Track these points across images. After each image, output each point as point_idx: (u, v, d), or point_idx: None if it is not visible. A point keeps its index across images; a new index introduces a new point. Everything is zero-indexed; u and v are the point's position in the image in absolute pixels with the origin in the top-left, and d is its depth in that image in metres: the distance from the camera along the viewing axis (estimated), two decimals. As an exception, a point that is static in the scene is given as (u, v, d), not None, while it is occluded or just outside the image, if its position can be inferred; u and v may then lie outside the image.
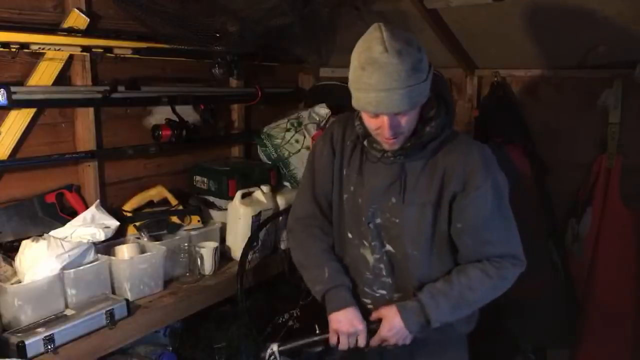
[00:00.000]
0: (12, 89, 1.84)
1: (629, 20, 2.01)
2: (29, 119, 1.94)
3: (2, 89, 1.80)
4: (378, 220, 1.54)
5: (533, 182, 2.36)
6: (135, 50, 2.18)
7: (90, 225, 1.97)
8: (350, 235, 1.61)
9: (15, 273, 1.77)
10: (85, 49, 2.02)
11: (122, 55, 2.15)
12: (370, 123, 1.42)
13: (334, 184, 1.63)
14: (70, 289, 1.77)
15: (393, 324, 1.47)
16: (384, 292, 1.59)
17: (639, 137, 2.28)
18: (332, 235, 1.69)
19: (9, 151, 1.90)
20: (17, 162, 1.93)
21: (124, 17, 2.15)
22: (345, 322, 1.50)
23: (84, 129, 2.13)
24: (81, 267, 1.81)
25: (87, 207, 2.08)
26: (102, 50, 2.07)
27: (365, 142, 1.54)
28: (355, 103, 1.40)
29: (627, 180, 2.29)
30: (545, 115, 2.49)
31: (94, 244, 1.91)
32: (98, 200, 2.12)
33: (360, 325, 1.50)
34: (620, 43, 2.15)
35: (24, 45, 1.84)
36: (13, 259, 1.79)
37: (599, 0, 1.98)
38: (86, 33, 2.02)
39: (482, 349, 2.44)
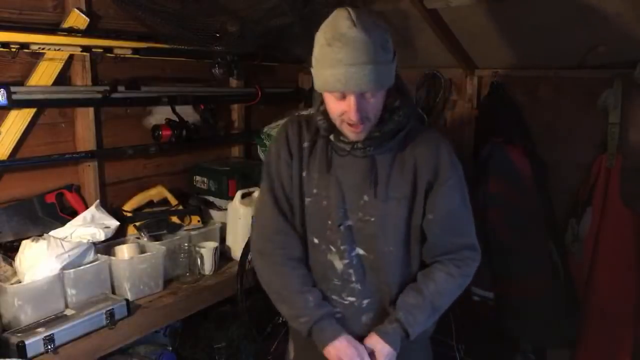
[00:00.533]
0: (12, 89, 1.84)
1: (629, 20, 2.01)
2: (29, 119, 1.95)
3: (2, 89, 1.81)
4: (349, 222, 1.45)
5: (533, 182, 2.36)
6: (135, 50, 2.18)
7: (90, 225, 1.97)
8: (316, 241, 1.50)
9: (15, 273, 1.77)
10: (85, 49, 2.02)
11: (122, 55, 2.16)
12: (336, 108, 1.34)
13: (294, 189, 1.50)
14: (70, 289, 1.78)
15: (385, 354, 1.43)
16: (352, 299, 1.49)
17: (639, 137, 2.28)
18: (303, 248, 1.54)
19: (9, 151, 1.90)
20: (17, 162, 1.94)
21: (124, 17, 2.16)
22: (348, 350, 1.40)
23: (84, 129, 2.13)
24: (81, 267, 1.81)
25: (87, 207, 2.09)
26: (102, 50, 2.08)
27: (331, 137, 1.44)
28: (320, 84, 1.33)
29: (627, 180, 2.29)
30: (545, 115, 2.48)
31: (94, 244, 1.92)
32: (98, 200, 2.12)
33: (361, 347, 1.41)
34: (620, 43, 2.15)
35: (24, 45, 1.84)
36: (13, 259, 1.79)
37: (599, 0, 1.98)
38: (86, 33, 2.02)
39: (482, 349, 2.45)
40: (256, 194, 2.44)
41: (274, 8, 2.18)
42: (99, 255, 1.92)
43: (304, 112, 1.51)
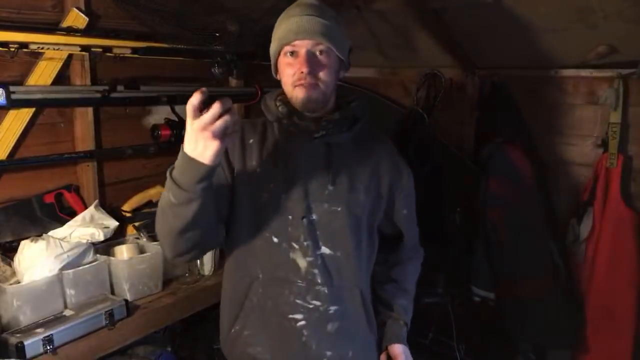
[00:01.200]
0: (11, 88, 1.83)
1: (629, 20, 2.01)
2: (27, 119, 1.94)
3: (0, 89, 1.80)
4: (313, 216, 1.37)
5: (533, 182, 2.36)
6: (135, 50, 2.17)
7: (89, 225, 1.97)
8: (275, 240, 1.37)
9: (14, 273, 1.76)
10: (84, 48, 2.01)
11: (121, 55, 2.15)
12: (289, 69, 1.35)
13: (239, 192, 1.38)
14: (69, 290, 1.77)
15: (405, 352, 1.49)
16: (318, 303, 1.38)
17: (640, 136, 2.28)
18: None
19: (8, 151, 1.89)
20: (15, 162, 1.93)
21: (123, 17, 2.15)
22: None
23: (83, 129, 2.12)
24: (80, 268, 1.81)
25: (86, 207, 2.08)
26: (101, 50, 2.07)
27: (294, 118, 1.40)
28: (275, 45, 1.37)
29: (628, 180, 2.29)
30: (546, 115, 2.48)
31: (93, 244, 1.91)
32: (97, 200, 2.11)
33: None
34: (621, 43, 2.15)
35: (22, 45, 1.83)
36: (12, 259, 1.78)
37: (599, 0, 1.98)
38: (85, 32, 2.01)
39: (483, 349, 2.45)
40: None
41: (273, 7, 2.17)
42: (98, 255, 1.91)
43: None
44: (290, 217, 1.36)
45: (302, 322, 1.38)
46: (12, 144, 1.90)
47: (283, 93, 1.44)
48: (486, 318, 2.39)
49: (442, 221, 2.52)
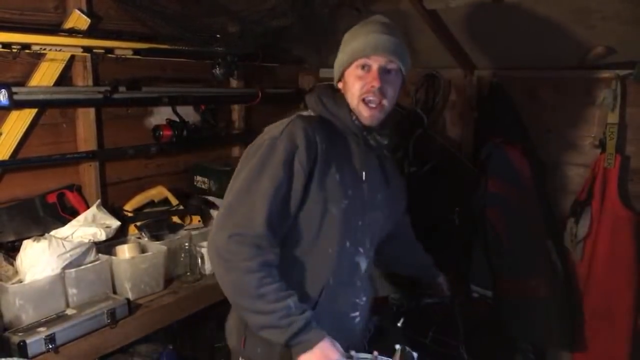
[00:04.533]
0: (14, 89, 1.85)
1: (627, 21, 2.01)
2: (30, 119, 1.95)
3: (3, 90, 1.81)
4: (368, 221, 1.48)
5: (532, 182, 2.37)
6: (136, 51, 2.19)
7: (91, 225, 1.98)
8: (348, 245, 1.43)
9: (16, 272, 1.77)
10: (86, 49, 2.03)
11: (123, 56, 2.16)
12: (358, 82, 1.40)
13: (313, 200, 1.36)
14: (72, 289, 1.78)
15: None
16: (365, 298, 1.53)
17: (638, 137, 2.29)
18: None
19: (11, 151, 1.91)
20: (18, 162, 1.94)
21: (124, 18, 2.16)
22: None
23: (85, 129, 2.14)
24: (82, 267, 1.82)
25: (88, 207, 2.09)
26: (103, 51, 2.08)
27: (365, 134, 1.44)
28: (347, 57, 1.43)
29: (626, 181, 2.29)
30: (544, 116, 2.49)
31: (95, 243, 1.92)
32: (99, 200, 2.13)
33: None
34: (620, 43, 2.16)
35: (25, 46, 1.85)
36: (14, 259, 1.79)
37: (599, 0, 1.99)
38: (87, 34, 2.03)
39: (482, 349, 2.45)
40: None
41: (274, 8, 2.19)
42: (100, 255, 1.93)
43: (304, 113, 1.50)
44: (360, 222, 1.46)
45: (358, 319, 1.51)
46: (14, 144, 1.92)
47: (341, 98, 1.46)
48: (485, 315, 2.39)
49: (441, 221, 2.53)
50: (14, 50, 1.82)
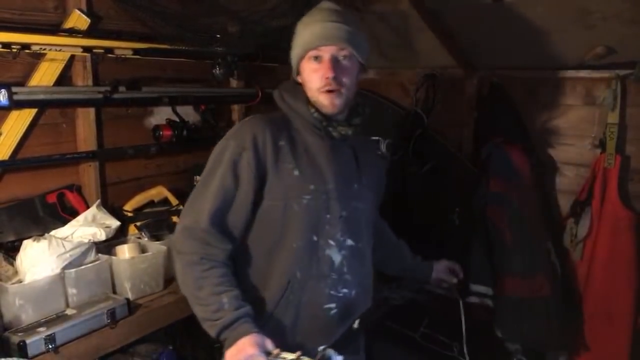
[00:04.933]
0: (14, 89, 1.85)
1: (627, 21, 2.02)
2: (30, 119, 1.95)
3: (3, 89, 1.81)
4: (344, 213, 1.47)
5: (532, 182, 2.37)
6: (136, 51, 2.19)
7: (91, 225, 1.98)
8: (315, 238, 1.44)
9: (16, 272, 1.78)
10: (86, 49, 2.03)
11: (123, 56, 2.16)
12: (314, 74, 1.42)
13: (271, 197, 1.42)
14: (71, 289, 1.78)
15: None
16: (346, 290, 1.49)
17: (638, 137, 2.29)
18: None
19: (11, 151, 1.91)
20: (18, 162, 1.94)
21: (124, 18, 2.16)
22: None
23: (85, 129, 2.14)
24: (82, 267, 1.82)
25: (88, 207, 2.09)
26: (103, 51, 2.09)
27: (328, 124, 1.46)
28: (298, 50, 1.44)
29: (626, 181, 2.29)
30: (545, 115, 2.49)
31: (95, 243, 1.92)
32: (99, 200, 2.13)
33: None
34: (619, 44, 2.16)
35: (25, 46, 1.85)
36: (14, 259, 1.79)
37: (599, 0, 1.99)
38: (87, 34, 2.03)
39: (482, 349, 2.45)
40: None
41: (274, 8, 2.19)
42: (99, 255, 1.92)
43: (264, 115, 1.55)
44: (328, 215, 1.45)
45: (335, 310, 1.47)
46: (14, 144, 1.92)
47: (300, 92, 1.49)
48: (483, 319, 2.38)
49: (441, 221, 2.53)
50: (14, 50, 1.82)
